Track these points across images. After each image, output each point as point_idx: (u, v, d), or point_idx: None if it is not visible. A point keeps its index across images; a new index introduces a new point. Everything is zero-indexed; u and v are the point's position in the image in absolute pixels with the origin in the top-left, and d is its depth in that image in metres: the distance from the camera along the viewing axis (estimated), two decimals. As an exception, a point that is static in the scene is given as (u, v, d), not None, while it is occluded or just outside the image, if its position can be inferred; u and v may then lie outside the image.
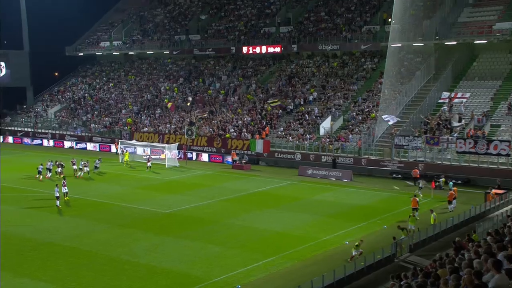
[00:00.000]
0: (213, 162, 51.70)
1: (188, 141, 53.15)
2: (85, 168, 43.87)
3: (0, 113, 79.91)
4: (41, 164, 44.10)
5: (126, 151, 51.42)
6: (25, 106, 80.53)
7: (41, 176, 42.63)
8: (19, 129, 72.47)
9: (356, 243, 23.38)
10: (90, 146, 61.90)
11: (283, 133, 51.66)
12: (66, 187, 34.71)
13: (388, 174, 43.21)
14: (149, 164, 46.24)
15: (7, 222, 29.43)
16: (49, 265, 22.66)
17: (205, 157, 52.72)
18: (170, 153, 50.63)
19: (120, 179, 43.36)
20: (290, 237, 26.71)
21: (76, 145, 63.25)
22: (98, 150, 60.69)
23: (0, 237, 26.21)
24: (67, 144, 64.46)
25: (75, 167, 44.50)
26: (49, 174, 43.03)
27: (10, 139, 70.56)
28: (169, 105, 60.23)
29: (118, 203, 34.33)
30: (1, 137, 70.59)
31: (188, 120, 57.65)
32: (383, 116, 44.75)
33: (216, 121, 56.37)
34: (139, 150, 54.05)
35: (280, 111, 54.84)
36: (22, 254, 24.09)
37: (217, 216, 30.87)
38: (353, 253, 23.01)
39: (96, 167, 45.20)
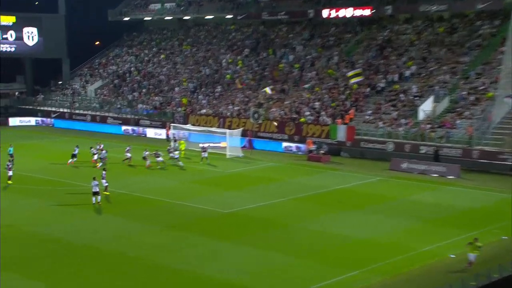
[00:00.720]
0: (284, 152, 52.00)
1: (254, 126, 53.56)
2: (157, 158, 45.28)
3: (32, 90, 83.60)
4: (77, 146, 46.17)
5: (180, 139, 52.26)
6: (60, 82, 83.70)
7: (73, 161, 44.93)
8: (54, 109, 75.57)
9: (478, 244, 22.84)
10: (137, 130, 63.74)
11: (372, 118, 50.97)
12: (105, 180, 35.88)
13: (509, 170, 41.68)
14: (204, 154, 46.93)
15: (37, 220, 30.80)
16: (86, 273, 23.43)
17: (274, 145, 53.19)
18: (231, 141, 51.21)
19: (171, 171, 44.27)
20: (378, 246, 26.39)
21: (120, 130, 65.35)
22: (146, 135, 62.50)
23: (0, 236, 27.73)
24: (110, 128, 66.74)
25: (128, 154, 46.19)
26: (98, 160, 45.20)
27: (41, 120, 73.69)
28: (239, 85, 60.73)
29: (169, 199, 35.05)
30: (33, 119, 74.24)
31: (256, 100, 57.97)
32: (504, 98, 43.09)
33: (288, 102, 56.45)
34: (195, 137, 55.06)
35: (368, 89, 54.12)
36: (55, 259, 25.06)
37: (287, 218, 31.00)
38: (471, 258, 22.66)
39: (174, 158, 45.94)
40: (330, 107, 53.64)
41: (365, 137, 49.25)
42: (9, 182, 39.15)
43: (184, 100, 64.46)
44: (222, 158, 49.12)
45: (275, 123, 53.85)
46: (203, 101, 63.22)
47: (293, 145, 52.04)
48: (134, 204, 34.29)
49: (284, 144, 52.61)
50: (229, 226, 29.83)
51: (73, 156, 45.33)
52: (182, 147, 50.62)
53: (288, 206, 33.63)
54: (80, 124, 69.77)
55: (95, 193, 33.35)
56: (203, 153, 47.15)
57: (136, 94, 71.19)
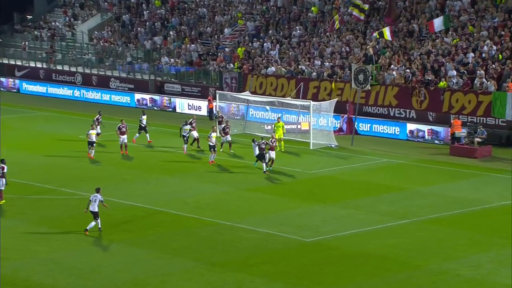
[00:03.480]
0: (409, 140, 51.71)
1: (357, 95, 53.32)
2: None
3: None
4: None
5: (278, 119, 50.41)
6: (30, 16, 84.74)
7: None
8: (19, 63, 77.05)
9: None
10: (159, 101, 64.70)
11: None
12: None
13: None
14: (273, 142, 46.41)
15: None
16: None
17: (391, 129, 53.03)
18: (318, 121, 51.45)
19: (218, 170, 44.72)
20: None
21: (133, 99, 66.28)
22: (174, 109, 63.27)
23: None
24: (114, 97, 67.88)
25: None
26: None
27: (1, 83, 75.35)
28: (336, 22, 59.19)
29: (215, 219, 35.41)
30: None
31: (361, 50, 57.44)
32: None
33: (419, 54, 55.74)
34: (257, 114, 55.23)
35: None
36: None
37: (417, 254, 30.78)
38: None
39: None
40: (496, 61, 52.55)
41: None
42: None
43: (240, 51, 64.72)
44: (303, 150, 49.21)
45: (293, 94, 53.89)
46: (272, 53, 63.14)
47: (425, 128, 51.72)
48: (155, 225, 34.61)
49: (410, 126, 52.27)
50: (316, 265, 29.73)
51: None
52: (280, 132, 48.44)
53: (415, 234, 33.40)
54: (65, 88, 71.15)
55: (95, 215, 33.47)
56: (272, 140, 46.92)
57: (158, 39, 71.75)
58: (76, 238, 33.05)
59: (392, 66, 55.73)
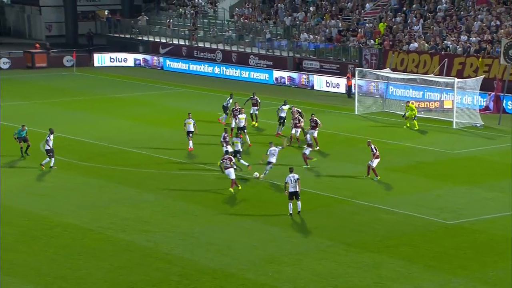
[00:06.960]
0: None
1: (507, 71, 51.83)
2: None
3: (129, 7, 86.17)
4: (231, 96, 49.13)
5: (410, 102, 49.63)
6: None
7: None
8: (164, 40, 78.35)
9: None
10: (297, 78, 64.51)
11: None
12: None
13: None
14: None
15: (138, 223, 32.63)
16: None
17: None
18: (463, 99, 50.45)
19: (351, 148, 44.51)
20: None
21: (271, 76, 66.48)
22: (312, 87, 63.05)
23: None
24: (253, 74, 68.18)
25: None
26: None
27: (143, 59, 76.85)
28: None
29: (350, 198, 35.57)
30: (131, 56, 77.26)
31: None
32: None
33: None
34: (398, 91, 54.73)
35: None
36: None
37: None
38: None
39: None
40: None
41: None
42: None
43: (381, 27, 64.13)
44: (446, 129, 48.79)
45: None
46: (415, 28, 62.43)
47: None
48: (287, 203, 34.05)
49: None
50: (458, 248, 29.48)
51: (224, 109, 48.76)
52: (412, 111, 48.32)
53: None
54: (205, 65, 72.15)
55: (292, 195, 33.18)
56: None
57: (299, 15, 71.64)
58: (213, 214, 33.86)
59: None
